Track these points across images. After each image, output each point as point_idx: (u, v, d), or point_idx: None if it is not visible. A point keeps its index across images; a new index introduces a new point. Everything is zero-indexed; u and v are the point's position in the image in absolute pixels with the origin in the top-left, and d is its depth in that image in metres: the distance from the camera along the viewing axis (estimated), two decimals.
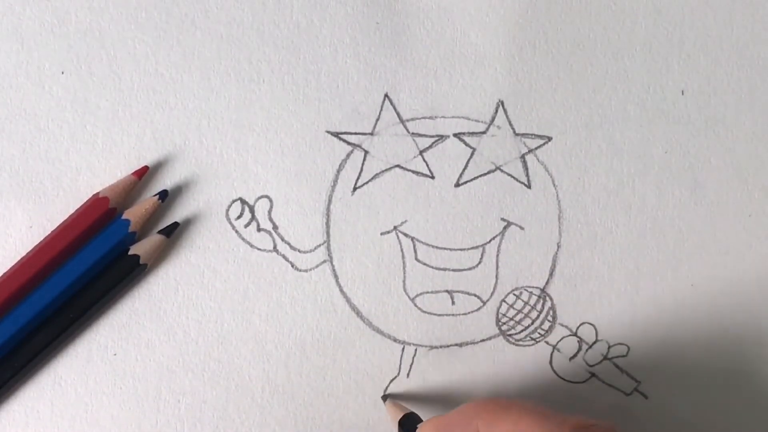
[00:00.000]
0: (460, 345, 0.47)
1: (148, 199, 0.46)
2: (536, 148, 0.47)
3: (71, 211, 0.46)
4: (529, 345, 0.47)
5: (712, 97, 0.48)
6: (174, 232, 0.46)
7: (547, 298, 0.47)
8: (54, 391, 0.46)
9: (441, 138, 0.47)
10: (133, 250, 0.45)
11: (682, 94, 0.48)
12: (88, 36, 0.46)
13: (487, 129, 0.47)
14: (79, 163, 0.46)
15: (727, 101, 0.48)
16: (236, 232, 0.47)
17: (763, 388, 0.48)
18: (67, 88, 0.46)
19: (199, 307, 0.46)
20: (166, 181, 0.46)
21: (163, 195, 0.46)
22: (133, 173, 0.46)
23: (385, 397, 0.47)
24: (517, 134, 0.47)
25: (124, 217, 0.45)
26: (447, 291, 0.47)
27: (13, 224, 0.46)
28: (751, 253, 0.48)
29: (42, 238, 0.45)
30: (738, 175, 0.48)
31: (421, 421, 0.43)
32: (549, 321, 0.47)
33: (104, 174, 0.46)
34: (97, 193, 0.45)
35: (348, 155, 0.47)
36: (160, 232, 0.46)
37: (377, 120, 0.47)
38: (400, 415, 0.44)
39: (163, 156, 0.46)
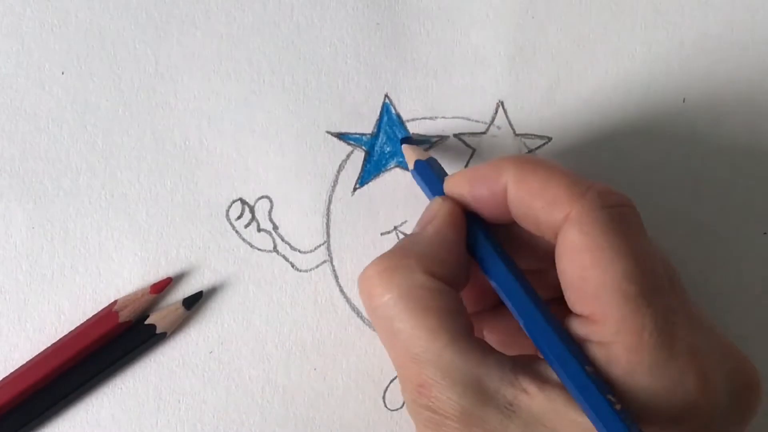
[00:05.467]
0: None
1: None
2: (536, 149, 0.47)
3: (71, 212, 0.46)
4: None
5: (713, 97, 0.48)
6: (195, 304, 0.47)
7: None
8: None
9: (441, 138, 0.47)
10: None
11: (683, 101, 0.48)
12: (89, 36, 0.46)
13: (488, 129, 0.47)
14: (79, 164, 0.46)
15: (728, 101, 0.48)
16: (236, 232, 0.47)
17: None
18: (67, 88, 0.46)
19: (199, 307, 0.46)
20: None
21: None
22: (152, 288, 0.46)
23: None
24: (517, 135, 0.47)
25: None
26: None
27: (13, 225, 0.46)
28: (754, 251, 0.48)
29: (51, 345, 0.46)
30: (740, 174, 0.48)
31: (440, 167, 0.43)
32: None
33: (104, 176, 0.46)
34: (114, 303, 0.46)
35: (348, 155, 0.47)
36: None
37: (378, 120, 0.47)
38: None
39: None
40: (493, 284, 0.39)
